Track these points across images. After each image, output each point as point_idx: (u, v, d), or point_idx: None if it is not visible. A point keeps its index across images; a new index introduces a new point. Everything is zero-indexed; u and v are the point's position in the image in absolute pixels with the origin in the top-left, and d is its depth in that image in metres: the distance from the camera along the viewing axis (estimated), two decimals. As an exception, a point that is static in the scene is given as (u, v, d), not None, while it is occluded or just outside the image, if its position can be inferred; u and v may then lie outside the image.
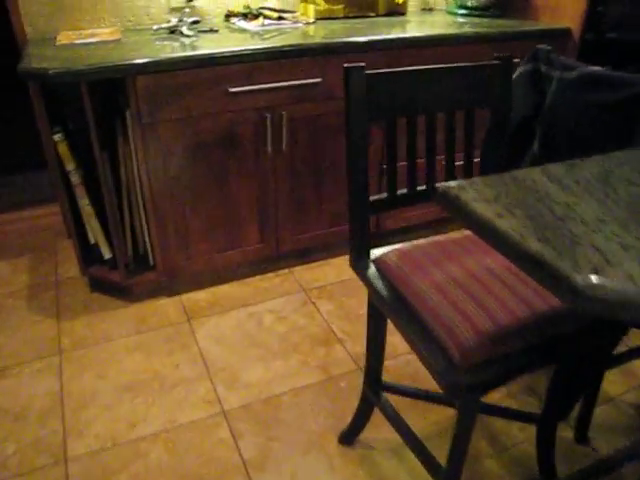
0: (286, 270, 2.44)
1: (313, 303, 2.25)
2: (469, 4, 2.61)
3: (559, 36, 2.45)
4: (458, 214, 1.05)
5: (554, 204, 1.04)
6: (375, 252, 1.56)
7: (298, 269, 2.45)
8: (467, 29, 2.29)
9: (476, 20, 2.52)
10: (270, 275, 2.41)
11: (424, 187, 1.54)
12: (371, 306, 1.57)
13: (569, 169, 1.18)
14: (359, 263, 1.51)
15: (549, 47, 1.62)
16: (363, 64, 1.34)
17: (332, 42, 2.08)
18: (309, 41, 2.06)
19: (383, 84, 1.39)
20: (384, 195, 1.49)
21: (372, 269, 1.50)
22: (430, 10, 2.74)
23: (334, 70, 2.14)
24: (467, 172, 1.57)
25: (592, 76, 1.49)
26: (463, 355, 1.22)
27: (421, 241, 1.54)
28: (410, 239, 2.69)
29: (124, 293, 2.28)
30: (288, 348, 2.05)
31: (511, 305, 1.33)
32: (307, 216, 2.36)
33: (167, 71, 1.91)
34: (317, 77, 2.12)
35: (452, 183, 1.08)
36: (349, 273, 2.43)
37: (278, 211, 2.29)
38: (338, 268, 2.46)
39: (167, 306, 2.24)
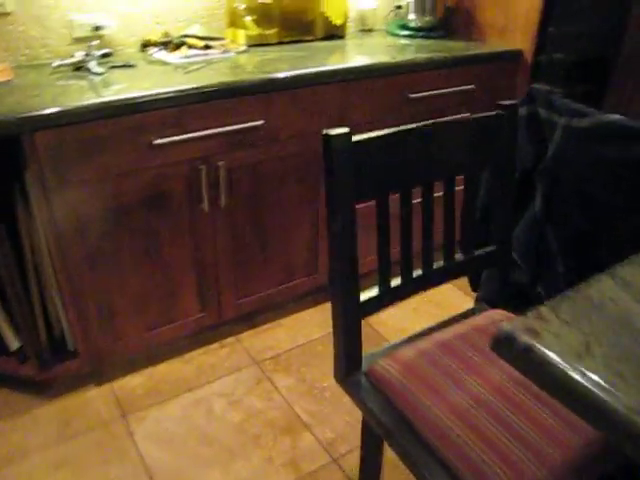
0: (232, 338, 2.02)
1: (269, 379, 1.85)
2: (412, 25, 2.27)
3: (511, 58, 2.16)
4: (534, 374, 0.69)
5: (665, 349, 0.70)
6: (366, 355, 1.18)
7: (246, 335, 2.04)
8: (420, 55, 1.95)
9: (422, 42, 2.19)
10: (214, 346, 1.98)
11: (420, 272, 1.18)
12: (365, 426, 1.20)
13: (647, 275, 0.85)
14: (348, 378, 1.13)
15: (547, 87, 1.29)
16: (347, 130, 0.96)
17: (275, 77, 1.69)
18: (245, 75, 1.66)
19: (373, 151, 1.01)
20: (375, 291, 1.11)
21: (365, 384, 1.12)
22: (369, 31, 2.38)
23: (278, 109, 1.74)
24: (466, 248, 1.22)
25: (610, 126, 1.17)
26: (516, 523, 0.88)
27: (421, 342, 1.18)
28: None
29: (40, 388, 1.80)
30: (247, 442, 1.65)
31: (558, 434, 0.99)
32: (252, 276, 1.96)
33: (74, 123, 1.46)
34: (259, 119, 1.71)
35: (517, 324, 0.72)
36: (304, 335, 2.04)
37: (219, 275, 1.87)
38: (290, 330, 2.06)
39: (96, 400, 1.77)
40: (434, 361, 1.11)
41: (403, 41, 2.22)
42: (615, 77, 2.48)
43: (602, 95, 2.46)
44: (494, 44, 2.22)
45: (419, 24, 2.26)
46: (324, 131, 0.95)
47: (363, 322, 2.12)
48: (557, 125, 1.27)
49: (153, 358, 1.93)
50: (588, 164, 1.24)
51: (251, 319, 2.11)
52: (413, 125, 1.04)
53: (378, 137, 1.00)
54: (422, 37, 2.26)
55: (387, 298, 1.13)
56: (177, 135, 1.60)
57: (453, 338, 1.17)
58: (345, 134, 0.95)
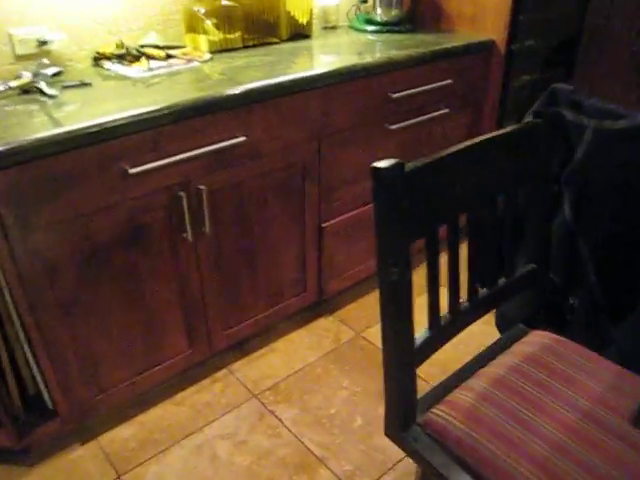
0: (224, 370, 1.83)
1: (271, 412, 1.68)
2: (378, 19, 2.11)
3: (484, 49, 2.04)
4: None
5: None
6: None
7: (238, 365, 1.85)
8: (399, 52, 1.80)
9: (391, 37, 2.04)
10: (206, 382, 1.79)
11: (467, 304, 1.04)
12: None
13: None
14: (403, 431, 0.98)
15: (571, 87, 1.17)
16: (399, 161, 0.80)
17: (254, 88, 1.50)
18: (220, 88, 1.47)
19: (424, 181, 0.86)
20: (425, 334, 0.96)
21: (423, 437, 0.98)
22: (333, 28, 2.21)
23: (259, 123, 1.56)
24: (508, 271, 1.09)
25: (651, 128, 1.06)
26: None
27: (473, 381, 1.04)
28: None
29: (19, 456, 1.56)
30: (261, 488, 1.48)
31: (651, 478, 0.88)
32: (241, 303, 1.78)
33: (34, 159, 1.23)
34: (240, 135, 1.53)
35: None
36: (299, 359, 1.88)
37: (207, 307, 1.68)
38: (284, 354, 1.89)
39: (84, 460, 1.56)
40: (496, 404, 0.98)
41: (371, 37, 2.06)
42: (579, 60, 2.41)
43: (570, 78, 2.39)
44: (465, 35, 2.10)
45: (385, 18, 2.10)
46: (373, 165, 0.78)
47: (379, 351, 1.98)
48: (586, 127, 1.15)
49: (141, 404, 1.72)
50: (623, 167, 1.13)
51: (241, 346, 1.93)
52: (462, 145, 0.89)
53: (429, 164, 0.84)
54: (389, 32, 2.11)
55: (439, 340, 0.98)
56: (154, 161, 1.40)
57: (507, 373, 1.04)
58: (398, 165, 0.79)
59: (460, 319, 1.02)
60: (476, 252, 1.01)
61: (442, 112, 2.00)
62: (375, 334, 1.97)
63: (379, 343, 1.93)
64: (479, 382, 1.03)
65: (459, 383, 1.05)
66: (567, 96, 1.19)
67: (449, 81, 1.96)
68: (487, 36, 2.06)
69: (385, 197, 0.80)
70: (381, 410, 1.70)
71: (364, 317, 2.05)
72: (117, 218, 1.41)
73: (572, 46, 2.34)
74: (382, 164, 0.79)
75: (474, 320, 1.05)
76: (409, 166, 0.82)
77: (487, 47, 2.06)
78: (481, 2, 2.04)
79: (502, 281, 1.09)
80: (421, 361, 0.96)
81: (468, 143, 0.91)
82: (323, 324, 2.03)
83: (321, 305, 2.11)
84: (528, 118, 1.21)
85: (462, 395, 1.01)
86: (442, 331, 0.99)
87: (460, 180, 0.92)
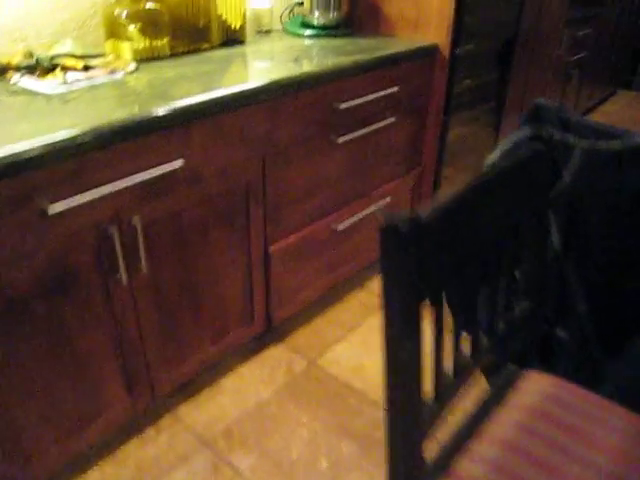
0: (168, 416, 1.60)
1: (226, 462, 1.48)
2: (315, 22, 1.92)
3: (428, 54, 1.90)
4: None
5: None
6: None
7: (184, 409, 1.62)
8: (344, 58, 1.62)
9: (330, 42, 1.86)
10: (151, 432, 1.55)
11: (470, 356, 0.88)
12: None
13: None
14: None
15: (556, 103, 1.03)
16: (414, 214, 0.63)
17: (192, 104, 1.28)
18: (151, 105, 1.24)
19: (437, 234, 0.69)
20: (431, 406, 0.80)
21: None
22: (267, 32, 1.99)
23: (198, 143, 1.34)
24: (507, 315, 0.94)
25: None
26: None
27: (479, 446, 0.89)
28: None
29: None
30: None
31: None
32: (184, 342, 1.55)
33: None
34: (177, 158, 1.30)
35: None
36: (252, 397, 1.67)
37: (146, 351, 1.45)
38: (235, 393, 1.68)
39: None
40: (511, 475, 0.83)
41: (308, 42, 1.87)
42: (515, 61, 2.33)
43: (508, 80, 2.31)
44: (407, 39, 1.95)
45: (323, 21, 1.92)
46: (384, 221, 0.60)
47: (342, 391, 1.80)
48: (575, 147, 1.02)
49: (76, 469, 1.46)
50: (616, 190, 1.01)
51: (185, 387, 1.69)
52: (469, 185, 0.73)
53: (442, 213, 0.67)
54: (327, 36, 1.93)
55: (444, 408, 0.82)
56: (77, 194, 1.15)
57: (514, 433, 0.89)
58: (413, 220, 0.62)
59: (463, 378, 0.87)
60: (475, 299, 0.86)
61: (389, 121, 1.85)
62: (329, 361, 1.80)
63: (334, 371, 1.76)
64: (485, 447, 0.88)
65: (460, 445, 0.90)
66: (553, 114, 1.05)
67: (395, 89, 1.81)
68: (430, 40, 1.93)
69: (400, 259, 0.62)
70: (345, 448, 1.53)
71: (316, 343, 1.88)
72: (36, 265, 1.16)
73: (510, 50, 2.25)
74: (396, 219, 0.61)
75: (472, 375, 0.90)
76: (424, 219, 0.65)
77: (431, 52, 1.92)
78: (423, 5, 1.90)
79: (502, 326, 0.95)
80: (428, 435, 0.80)
81: (474, 183, 0.75)
82: (273, 354, 1.83)
83: (269, 333, 1.91)
84: (515, 138, 1.07)
85: (470, 465, 0.85)
86: (446, 397, 0.83)
87: (469, 227, 0.76)
